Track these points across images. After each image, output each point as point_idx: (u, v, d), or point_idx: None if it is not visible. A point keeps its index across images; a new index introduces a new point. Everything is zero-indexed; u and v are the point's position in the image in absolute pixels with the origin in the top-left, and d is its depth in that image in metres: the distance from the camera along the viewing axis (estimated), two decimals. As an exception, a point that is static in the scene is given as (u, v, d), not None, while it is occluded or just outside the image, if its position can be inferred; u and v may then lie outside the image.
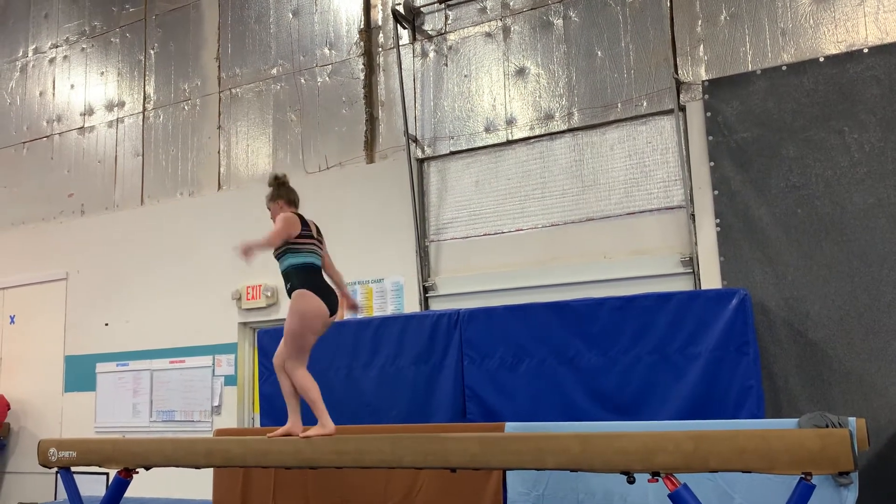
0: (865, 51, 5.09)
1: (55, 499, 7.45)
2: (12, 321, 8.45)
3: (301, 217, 3.97)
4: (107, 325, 7.80)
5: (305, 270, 3.87)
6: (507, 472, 4.50)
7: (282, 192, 4.12)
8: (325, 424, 3.77)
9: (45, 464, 4.18)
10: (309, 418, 3.91)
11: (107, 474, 6.97)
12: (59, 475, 4.22)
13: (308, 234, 3.93)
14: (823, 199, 5.07)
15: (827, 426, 3.70)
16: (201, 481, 5.58)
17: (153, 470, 4.06)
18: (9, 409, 8.09)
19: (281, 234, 3.82)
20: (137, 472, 4.06)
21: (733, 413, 4.42)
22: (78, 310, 8.01)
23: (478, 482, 4.57)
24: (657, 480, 2.84)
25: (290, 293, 3.88)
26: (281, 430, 3.89)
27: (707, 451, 2.75)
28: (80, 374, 7.87)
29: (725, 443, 2.75)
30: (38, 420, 8.03)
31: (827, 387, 4.87)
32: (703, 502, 2.83)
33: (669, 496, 2.82)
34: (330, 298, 3.87)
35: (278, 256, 3.95)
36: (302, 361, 3.86)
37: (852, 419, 3.75)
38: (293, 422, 3.89)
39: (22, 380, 8.21)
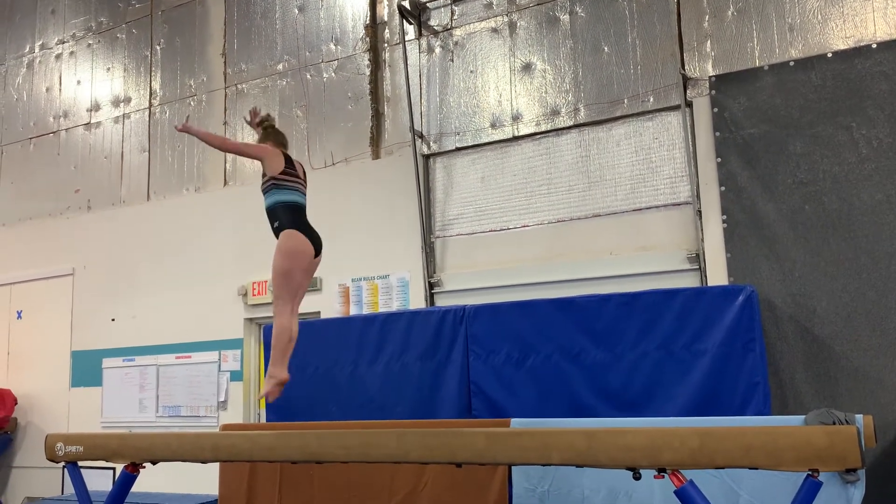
0: (874, 46, 5.06)
1: (62, 493, 7.49)
2: (19, 316, 8.48)
3: (287, 156, 3.97)
4: (113, 320, 7.82)
5: (291, 209, 3.88)
6: (513, 468, 4.50)
7: (270, 134, 4.15)
8: (275, 374, 3.92)
9: (53, 458, 4.19)
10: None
11: (113, 469, 6.99)
12: (66, 470, 4.23)
13: (293, 173, 3.93)
14: (831, 195, 5.05)
15: (834, 423, 3.69)
16: (207, 476, 5.59)
17: (160, 465, 4.06)
18: (16, 403, 8.12)
19: (247, 148, 3.94)
20: (144, 467, 4.06)
21: (739, 410, 4.41)
22: (84, 305, 8.04)
23: (483, 478, 4.57)
24: (663, 477, 2.84)
25: (276, 232, 3.89)
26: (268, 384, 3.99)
27: (713, 447, 2.74)
28: (86, 369, 7.90)
29: (732, 439, 2.74)
30: (45, 415, 8.06)
31: (834, 383, 4.86)
32: (710, 499, 2.83)
33: (675, 493, 2.81)
34: (314, 238, 3.90)
35: (264, 192, 3.97)
36: (286, 302, 3.86)
37: (859, 416, 3.74)
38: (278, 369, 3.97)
39: (29, 375, 8.25)
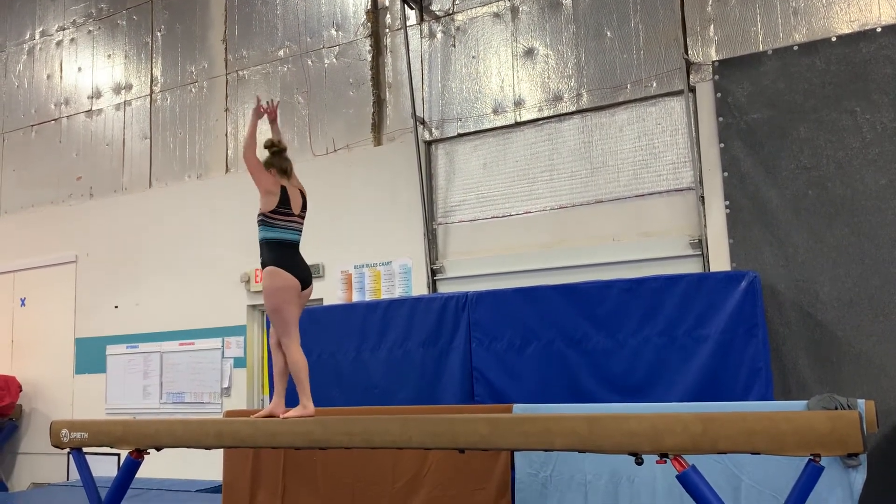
0: (878, 30, 5.03)
1: (67, 479, 7.53)
2: (23, 304, 8.50)
3: (284, 191, 3.93)
4: (116, 307, 7.84)
5: (277, 246, 3.87)
6: (515, 453, 4.52)
7: (274, 160, 4.08)
8: (306, 406, 3.82)
9: (58, 444, 4.21)
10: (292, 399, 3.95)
11: (118, 455, 7.03)
12: (71, 456, 4.25)
13: (285, 212, 3.91)
14: (835, 180, 5.03)
15: (836, 408, 3.69)
16: (211, 462, 5.63)
17: (164, 451, 4.08)
18: (20, 390, 8.16)
19: (252, 169, 3.89)
20: (148, 453, 4.08)
21: (742, 395, 4.42)
22: (87, 292, 8.05)
23: (486, 463, 4.59)
24: (665, 462, 2.84)
25: (262, 266, 3.91)
26: (264, 410, 3.95)
27: (716, 432, 2.74)
28: (90, 356, 7.93)
29: (734, 424, 2.74)
30: (50, 402, 8.10)
31: (836, 369, 4.86)
32: (712, 484, 2.83)
33: (677, 477, 2.82)
34: (300, 272, 3.88)
35: (258, 224, 3.97)
36: (294, 337, 3.86)
37: (861, 401, 3.74)
38: (276, 403, 3.93)
39: (33, 362, 8.28)
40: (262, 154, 4.10)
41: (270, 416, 3.88)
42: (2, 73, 9.24)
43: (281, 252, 3.88)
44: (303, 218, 4.05)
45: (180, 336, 7.39)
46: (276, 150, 4.10)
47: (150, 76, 8.17)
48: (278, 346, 3.94)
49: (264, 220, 3.91)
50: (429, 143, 6.57)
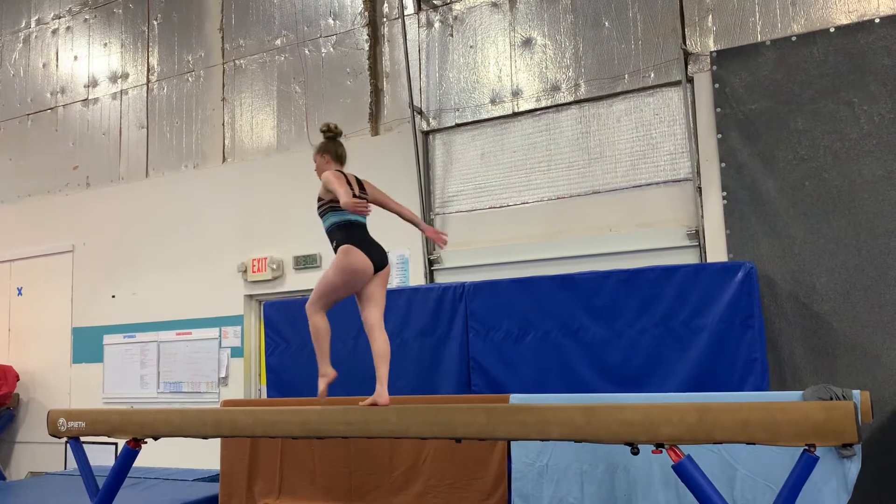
0: (877, 21, 5.02)
1: (65, 468, 7.55)
2: (20, 293, 8.49)
3: (343, 174, 3.86)
4: (113, 297, 7.84)
5: (347, 227, 3.78)
6: (512, 443, 4.54)
7: (330, 146, 4.00)
8: (326, 373, 3.80)
9: (55, 434, 4.23)
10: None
11: (115, 444, 7.05)
12: (68, 445, 4.27)
13: (351, 192, 3.78)
14: (832, 171, 5.04)
15: (831, 399, 3.71)
16: (209, 451, 5.64)
17: (161, 440, 4.10)
18: (18, 380, 8.16)
19: (342, 192, 3.66)
20: (146, 443, 4.10)
21: (738, 386, 4.43)
22: (85, 282, 8.05)
23: (483, 453, 4.61)
24: (661, 452, 2.86)
25: (335, 250, 3.79)
26: (369, 399, 3.69)
27: (711, 422, 2.76)
28: (87, 345, 7.93)
29: (729, 415, 2.76)
30: (47, 391, 8.11)
31: (832, 360, 4.88)
32: (707, 473, 2.85)
33: (673, 467, 2.84)
34: (374, 253, 3.77)
35: (321, 215, 3.88)
36: (324, 308, 3.82)
37: (856, 392, 3.76)
38: (379, 391, 3.68)
39: (30, 351, 8.28)
40: (318, 138, 4.05)
41: (374, 404, 3.65)
42: (-3, 61, 9.20)
43: (352, 232, 3.77)
44: (365, 199, 3.93)
45: (177, 326, 7.39)
46: (332, 134, 4.02)
47: (146, 65, 8.14)
48: (374, 327, 3.79)
49: (331, 206, 3.79)
50: (426, 133, 6.56)
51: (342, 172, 3.90)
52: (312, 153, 4.09)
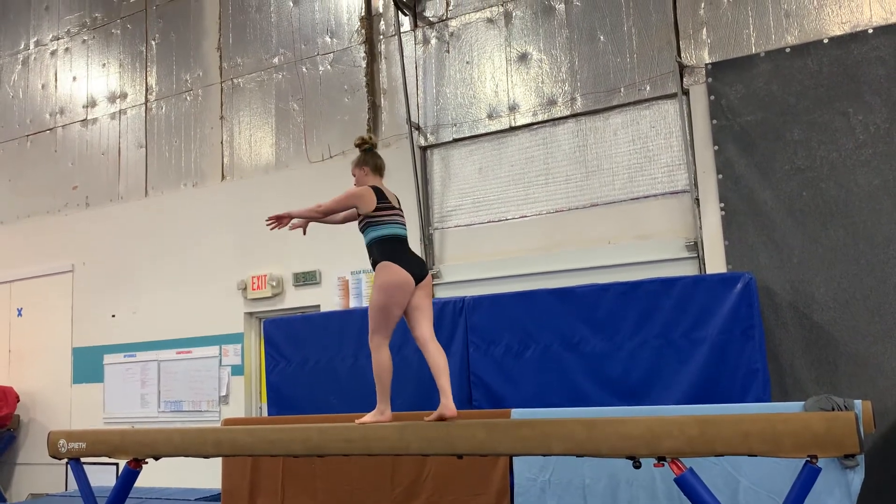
0: (870, 31, 5.05)
1: (66, 489, 7.51)
2: (20, 314, 8.49)
3: (377, 189, 3.80)
4: (114, 316, 7.84)
5: (387, 242, 3.71)
6: (514, 458, 4.52)
7: (368, 158, 3.93)
8: (384, 411, 3.65)
9: (56, 455, 4.21)
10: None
11: (116, 465, 7.02)
12: (69, 466, 4.25)
13: (387, 206, 3.75)
14: (828, 181, 5.05)
15: (833, 409, 3.70)
16: (210, 471, 5.62)
17: (162, 460, 4.08)
18: (18, 400, 8.14)
19: (339, 202, 3.69)
20: (147, 463, 4.08)
21: (739, 397, 4.43)
22: (85, 301, 8.05)
23: (485, 468, 4.59)
24: (663, 465, 2.85)
25: (373, 266, 3.73)
26: (434, 414, 3.55)
27: (712, 435, 2.75)
28: (87, 365, 7.92)
29: (730, 427, 2.75)
30: (48, 411, 8.08)
31: (833, 370, 4.87)
32: (710, 486, 2.84)
33: (675, 480, 2.83)
34: (413, 266, 3.68)
35: (362, 230, 3.81)
36: (385, 338, 3.69)
37: (858, 402, 3.75)
38: (444, 404, 3.54)
39: (31, 372, 8.27)
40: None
41: (441, 418, 3.52)
42: (-4, 83, 9.25)
43: (391, 247, 3.70)
44: (402, 212, 3.88)
45: (178, 344, 7.38)
46: (368, 146, 3.95)
47: (144, 85, 8.18)
48: (427, 341, 3.68)
49: (369, 222, 3.73)
50: (424, 149, 6.58)
51: (379, 188, 3.83)
52: (351, 166, 4.03)
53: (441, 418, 3.49)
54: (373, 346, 3.70)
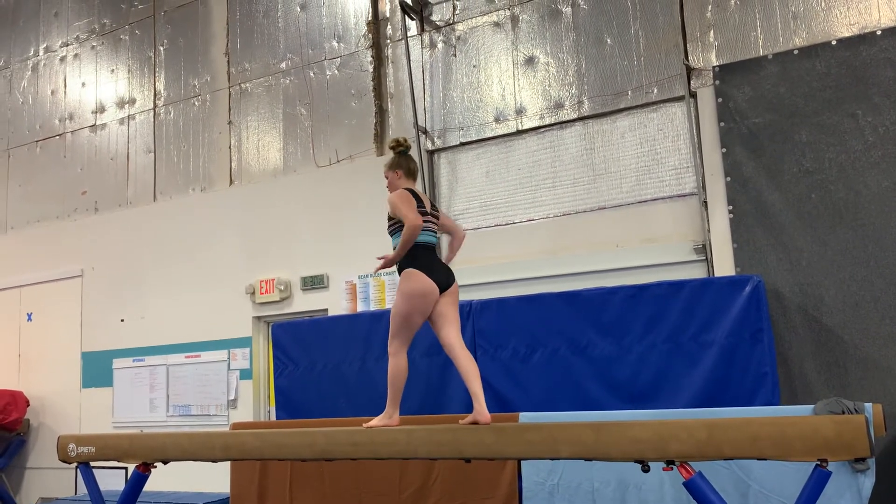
0: (878, 33, 5.03)
1: (76, 493, 7.54)
2: (29, 319, 8.53)
3: (414, 192, 3.77)
4: (122, 321, 7.87)
5: (415, 248, 3.66)
6: (522, 462, 4.51)
7: (402, 161, 3.91)
8: (392, 415, 3.66)
9: (65, 459, 4.23)
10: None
11: (125, 469, 7.04)
12: (78, 470, 4.27)
13: (422, 212, 3.71)
14: (837, 183, 5.03)
15: (843, 412, 3.68)
16: (219, 475, 5.63)
17: (171, 464, 4.09)
18: (28, 405, 8.18)
19: (411, 216, 3.59)
20: (156, 467, 4.10)
21: (748, 400, 4.40)
22: (94, 306, 8.08)
23: (493, 472, 4.58)
24: (672, 469, 2.84)
25: (399, 272, 3.71)
26: (469, 418, 3.54)
27: (721, 438, 2.74)
28: (97, 370, 7.95)
29: (739, 430, 2.74)
30: (57, 416, 8.11)
31: (843, 373, 4.84)
32: (719, 490, 2.83)
33: (684, 484, 2.82)
34: (439, 274, 3.66)
35: (391, 233, 3.80)
36: (404, 344, 3.69)
37: (868, 405, 3.73)
38: (478, 409, 3.51)
39: (40, 376, 8.30)
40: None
41: (475, 423, 3.50)
42: (6, 89, 9.31)
43: (418, 254, 3.67)
44: (436, 217, 3.84)
45: (186, 349, 7.41)
46: (402, 149, 3.94)
47: (153, 90, 8.22)
48: (455, 347, 3.65)
49: (400, 226, 3.67)
50: (431, 153, 6.59)
51: (413, 191, 3.81)
52: (384, 169, 4.00)
53: (475, 422, 3.48)
54: (391, 350, 3.71)
